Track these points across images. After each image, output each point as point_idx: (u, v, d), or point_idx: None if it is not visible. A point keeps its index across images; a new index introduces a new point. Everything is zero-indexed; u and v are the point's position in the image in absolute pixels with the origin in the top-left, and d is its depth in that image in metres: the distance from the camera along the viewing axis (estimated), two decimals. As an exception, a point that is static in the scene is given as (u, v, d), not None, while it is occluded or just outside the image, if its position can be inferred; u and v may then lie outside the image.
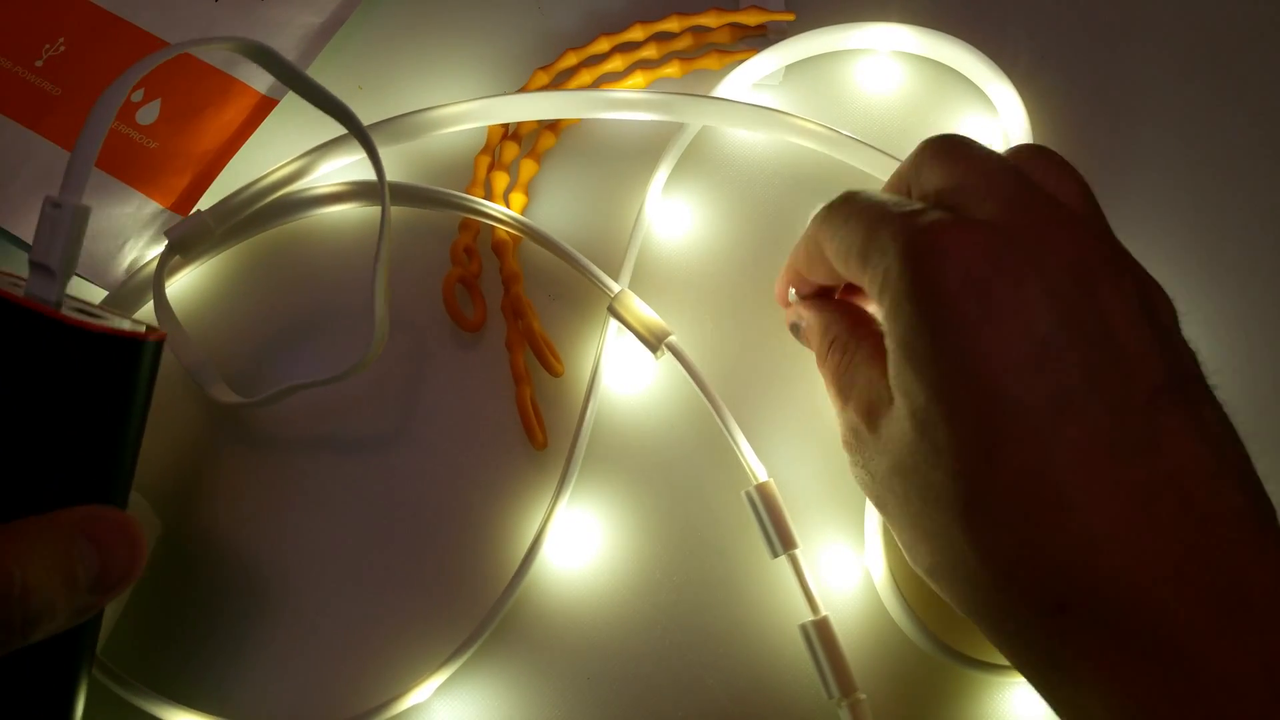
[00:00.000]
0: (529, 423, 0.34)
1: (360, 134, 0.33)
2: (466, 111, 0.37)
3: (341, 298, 0.36)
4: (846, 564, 0.33)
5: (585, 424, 0.34)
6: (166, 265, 0.34)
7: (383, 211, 0.32)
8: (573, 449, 0.33)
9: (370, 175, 0.35)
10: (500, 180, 0.37)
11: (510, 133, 0.38)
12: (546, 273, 0.37)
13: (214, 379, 0.34)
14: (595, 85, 0.39)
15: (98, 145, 0.25)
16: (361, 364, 0.31)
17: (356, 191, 0.37)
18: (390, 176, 0.38)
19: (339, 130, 0.36)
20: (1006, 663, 0.32)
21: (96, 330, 0.23)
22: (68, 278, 0.24)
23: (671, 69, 0.39)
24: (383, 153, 0.37)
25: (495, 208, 0.35)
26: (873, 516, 0.33)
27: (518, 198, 0.37)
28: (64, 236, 0.24)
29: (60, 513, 0.22)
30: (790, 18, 0.39)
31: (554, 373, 0.35)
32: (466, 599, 0.33)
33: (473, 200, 0.36)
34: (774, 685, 0.32)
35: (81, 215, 0.25)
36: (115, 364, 0.24)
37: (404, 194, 0.37)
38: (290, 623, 0.33)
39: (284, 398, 0.33)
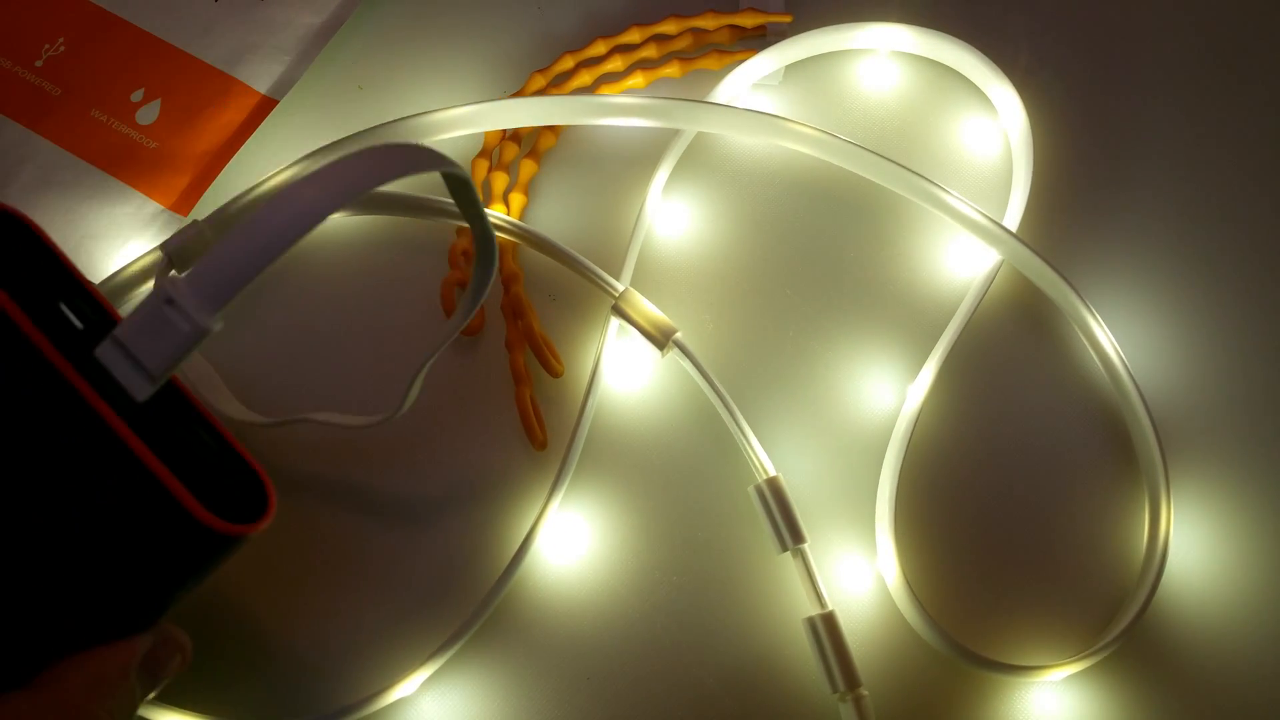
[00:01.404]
0: (529, 423, 0.34)
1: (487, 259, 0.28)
2: (461, 116, 0.36)
3: (343, 311, 0.36)
4: (851, 566, 0.33)
5: (583, 422, 0.33)
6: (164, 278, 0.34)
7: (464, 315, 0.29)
8: (570, 447, 0.33)
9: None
10: (500, 181, 0.37)
11: (510, 133, 0.38)
12: (546, 273, 0.36)
13: (219, 389, 0.34)
14: (595, 85, 0.39)
15: (275, 257, 0.20)
16: (379, 422, 0.31)
17: (362, 199, 0.36)
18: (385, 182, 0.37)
19: (340, 133, 0.36)
20: (1025, 663, 0.31)
21: (222, 530, 0.24)
22: (159, 384, 0.21)
23: (671, 69, 0.39)
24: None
25: (491, 214, 0.35)
26: (884, 518, 0.32)
27: (517, 198, 0.37)
28: (182, 352, 0.20)
29: (130, 654, 0.25)
30: (788, 19, 0.39)
31: (554, 373, 0.34)
32: (458, 594, 0.32)
33: None
34: (772, 683, 0.32)
35: (208, 335, 0.21)
36: (218, 547, 0.25)
37: (399, 203, 0.36)
38: (277, 613, 0.32)
39: (290, 425, 0.32)
